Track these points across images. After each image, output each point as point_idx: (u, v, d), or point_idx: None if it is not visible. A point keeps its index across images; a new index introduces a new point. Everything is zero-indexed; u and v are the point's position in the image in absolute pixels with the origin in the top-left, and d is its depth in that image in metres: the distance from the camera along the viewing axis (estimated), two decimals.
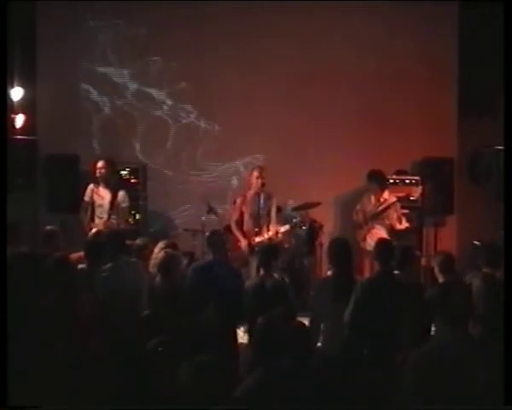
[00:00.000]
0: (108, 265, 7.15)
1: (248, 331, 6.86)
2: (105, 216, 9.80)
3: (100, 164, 10.00)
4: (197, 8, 10.95)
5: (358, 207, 10.18)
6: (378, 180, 10.07)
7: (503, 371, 4.40)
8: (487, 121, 10.38)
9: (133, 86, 11.32)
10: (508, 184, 6.74)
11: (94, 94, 11.26)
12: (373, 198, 10.08)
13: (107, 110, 11.32)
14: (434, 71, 11.13)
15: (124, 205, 9.96)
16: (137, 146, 11.29)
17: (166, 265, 7.05)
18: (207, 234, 7.83)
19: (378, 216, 9.95)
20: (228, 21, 11.08)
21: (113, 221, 9.75)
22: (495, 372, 4.36)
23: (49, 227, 8.40)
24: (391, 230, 9.80)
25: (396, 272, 6.72)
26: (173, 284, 6.96)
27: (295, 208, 10.65)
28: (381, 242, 7.22)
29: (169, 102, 11.36)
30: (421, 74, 11.15)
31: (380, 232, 9.73)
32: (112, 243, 7.34)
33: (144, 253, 7.81)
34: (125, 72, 11.31)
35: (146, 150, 11.29)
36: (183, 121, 11.38)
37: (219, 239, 7.71)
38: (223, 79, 11.11)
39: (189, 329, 6.12)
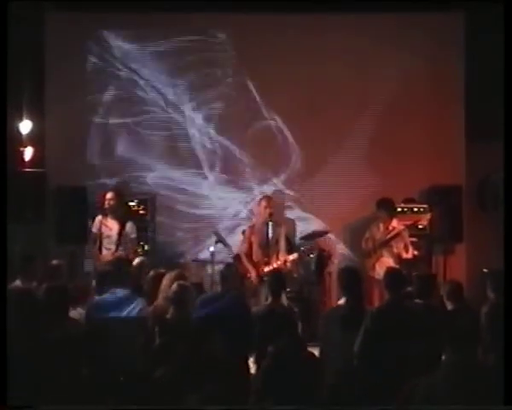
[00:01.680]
0: (113, 295, 7.19)
1: (257, 361, 6.83)
2: (113, 247, 9.82)
3: (109, 195, 10.04)
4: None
5: (367, 235, 10.18)
6: (387, 208, 10.08)
7: (503, 371, 4.40)
8: (495, 147, 10.34)
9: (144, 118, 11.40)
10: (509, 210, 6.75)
11: (103, 125, 11.30)
12: (381, 226, 10.09)
13: (116, 141, 11.34)
14: (441, 96, 11.14)
15: (132, 236, 9.98)
16: (147, 177, 11.32)
17: (180, 297, 7.04)
18: (222, 268, 7.81)
19: (387, 244, 9.95)
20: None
21: (121, 252, 9.77)
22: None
23: (55, 261, 8.40)
24: (398, 258, 9.80)
25: (417, 300, 6.74)
26: (186, 315, 6.96)
27: (304, 237, 10.65)
28: (390, 270, 7.19)
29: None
30: (427, 100, 11.16)
31: (389, 261, 9.73)
32: (118, 274, 7.38)
33: (156, 284, 7.82)
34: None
35: (156, 180, 11.32)
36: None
37: (233, 274, 7.68)
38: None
39: (199, 360, 6.11)
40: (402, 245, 9.93)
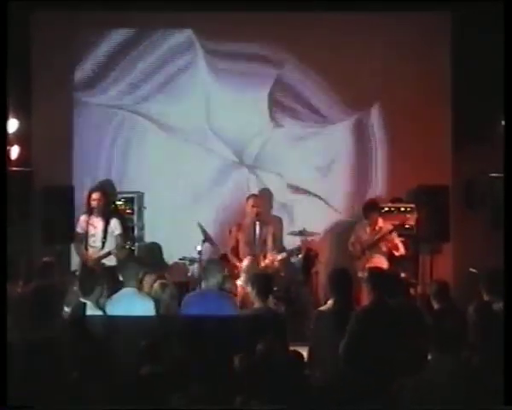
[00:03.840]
0: (117, 294, 7.23)
1: (244, 360, 6.82)
2: (98, 245, 9.79)
3: (95, 195, 10.01)
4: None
5: (353, 238, 10.18)
6: (373, 210, 10.08)
7: (503, 371, 4.40)
8: (482, 148, 10.37)
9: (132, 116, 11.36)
10: (508, 211, 6.75)
11: (91, 125, 11.25)
12: (368, 228, 10.09)
13: (103, 141, 11.28)
14: (429, 97, 11.14)
15: (116, 232, 9.91)
16: (134, 175, 11.27)
17: (162, 295, 7.11)
18: (204, 262, 7.78)
19: (376, 245, 9.95)
20: None
21: (107, 250, 9.75)
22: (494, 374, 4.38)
23: (46, 258, 8.36)
24: (389, 257, 9.81)
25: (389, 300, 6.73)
26: (169, 313, 7.00)
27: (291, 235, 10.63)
28: (373, 271, 7.16)
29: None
30: (415, 100, 11.16)
31: (380, 261, 9.71)
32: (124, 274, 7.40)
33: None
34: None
35: (142, 179, 11.27)
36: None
37: (215, 268, 7.67)
38: None
39: (184, 359, 6.09)
40: (392, 244, 9.95)
